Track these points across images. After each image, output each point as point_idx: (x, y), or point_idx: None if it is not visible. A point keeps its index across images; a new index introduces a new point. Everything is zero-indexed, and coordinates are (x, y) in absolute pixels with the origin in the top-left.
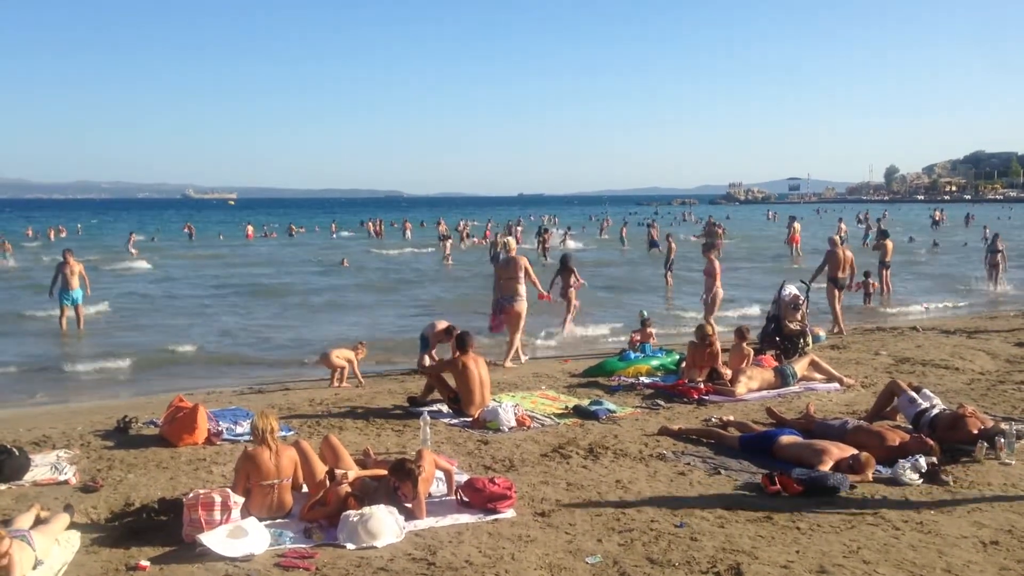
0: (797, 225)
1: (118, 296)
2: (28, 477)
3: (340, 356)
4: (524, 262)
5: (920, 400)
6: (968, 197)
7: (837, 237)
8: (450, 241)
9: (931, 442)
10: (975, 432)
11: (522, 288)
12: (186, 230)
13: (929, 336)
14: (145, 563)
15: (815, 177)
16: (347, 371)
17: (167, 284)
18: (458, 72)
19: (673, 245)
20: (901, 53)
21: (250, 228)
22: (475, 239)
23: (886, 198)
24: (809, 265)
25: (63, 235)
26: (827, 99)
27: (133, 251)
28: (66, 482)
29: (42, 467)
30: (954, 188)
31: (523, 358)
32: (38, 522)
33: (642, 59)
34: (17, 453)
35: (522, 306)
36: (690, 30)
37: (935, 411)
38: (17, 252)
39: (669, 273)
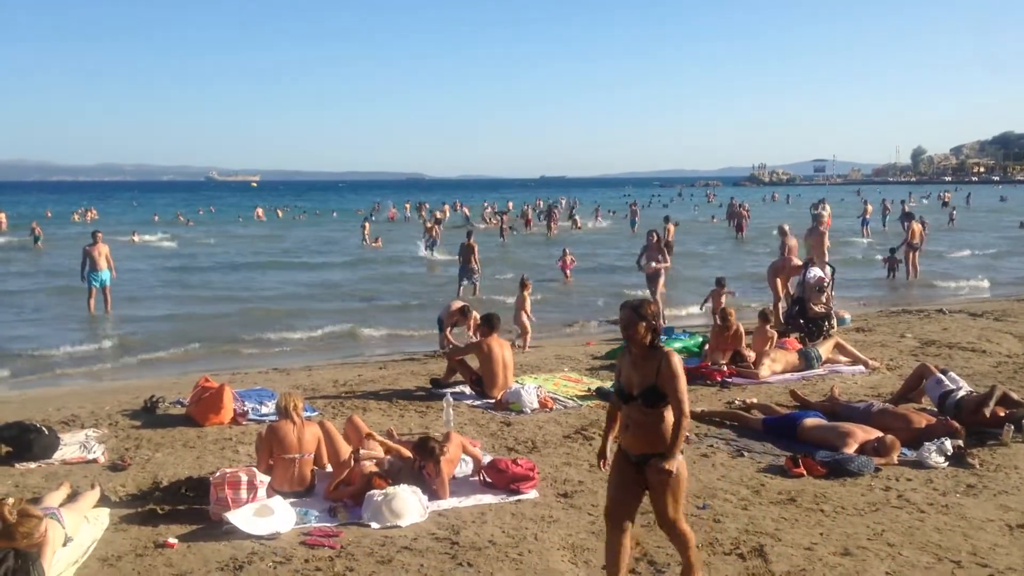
0: (829, 208)
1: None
2: (57, 456)
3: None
4: (793, 242)
5: (947, 382)
6: (996, 178)
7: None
8: (369, 225)
9: (957, 425)
10: (1002, 415)
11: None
12: (199, 213)
13: (956, 319)
14: (173, 540)
15: (841, 159)
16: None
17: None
18: (481, 54)
19: (671, 227)
20: (930, 33)
21: (259, 210)
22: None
23: (913, 179)
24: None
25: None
26: (854, 79)
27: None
28: (95, 461)
29: (71, 446)
30: (982, 169)
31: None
32: (67, 500)
33: (666, 41)
34: (47, 432)
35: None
36: (714, 11)
37: (961, 393)
38: (57, 229)
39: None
